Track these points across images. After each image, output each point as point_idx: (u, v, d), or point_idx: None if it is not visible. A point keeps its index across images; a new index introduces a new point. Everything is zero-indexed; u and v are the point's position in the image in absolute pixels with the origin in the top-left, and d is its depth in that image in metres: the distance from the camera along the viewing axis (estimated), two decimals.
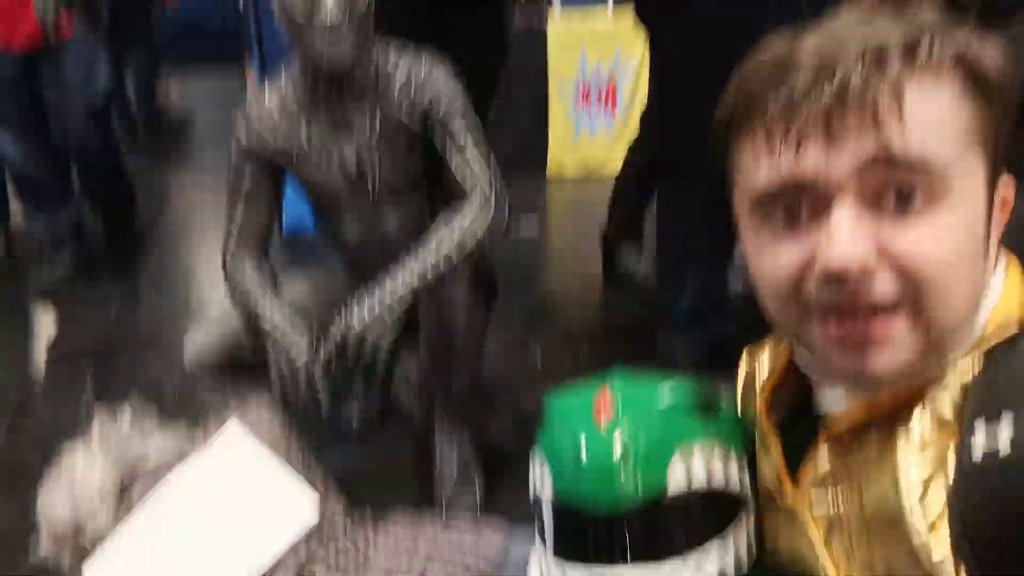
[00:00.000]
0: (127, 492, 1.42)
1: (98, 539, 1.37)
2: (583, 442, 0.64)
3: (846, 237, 0.54)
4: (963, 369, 0.58)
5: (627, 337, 2.50)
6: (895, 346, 0.56)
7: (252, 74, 3.46)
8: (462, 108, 1.56)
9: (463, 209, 1.53)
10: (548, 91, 4.26)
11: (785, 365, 0.73)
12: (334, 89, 1.55)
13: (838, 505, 0.61)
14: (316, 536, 1.28)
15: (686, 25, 1.86)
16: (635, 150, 2.80)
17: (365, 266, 1.72)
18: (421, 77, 1.56)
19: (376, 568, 1.22)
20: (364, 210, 1.66)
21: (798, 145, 0.56)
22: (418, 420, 2.05)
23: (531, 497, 0.71)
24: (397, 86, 1.57)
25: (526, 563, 1.21)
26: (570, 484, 0.64)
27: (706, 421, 0.67)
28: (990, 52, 0.56)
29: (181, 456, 1.41)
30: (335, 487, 1.43)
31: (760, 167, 0.59)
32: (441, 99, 1.55)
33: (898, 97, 0.54)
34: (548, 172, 4.34)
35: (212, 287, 2.98)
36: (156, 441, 1.49)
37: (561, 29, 4.26)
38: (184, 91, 5.07)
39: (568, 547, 0.67)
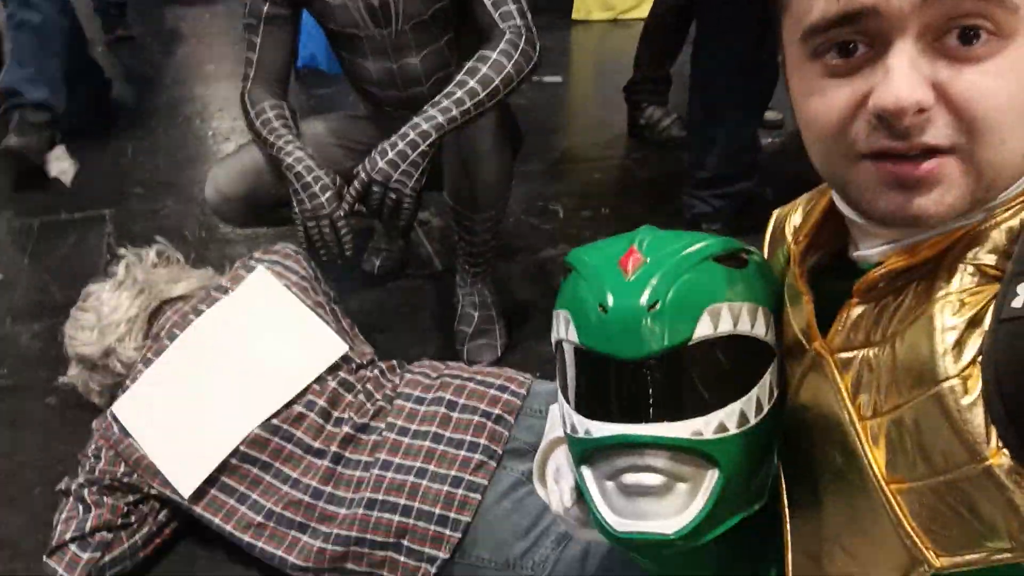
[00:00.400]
0: (155, 318, 1.45)
1: (126, 363, 1.41)
2: (609, 287, 0.62)
3: (905, 76, 0.52)
4: (1010, 224, 0.56)
5: (650, 193, 2.47)
6: (945, 188, 0.54)
7: None
8: None
9: (496, 48, 1.44)
10: None
11: (822, 215, 0.70)
12: None
13: (868, 359, 0.60)
14: (343, 374, 1.30)
15: None
16: None
17: (388, 106, 1.68)
18: None
19: (400, 411, 1.25)
20: (386, 46, 1.59)
21: None
22: (439, 267, 2.06)
23: (553, 349, 0.71)
24: None
25: (544, 414, 1.26)
26: (595, 330, 0.63)
27: (736, 272, 0.66)
28: None
29: (207, 290, 1.43)
30: (359, 333, 1.46)
31: None
32: None
33: None
34: (574, 13, 4.18)
35: (232, 121, 2.95)
36: (182, 279, 1.50)
37: None
38: None
39: (590, 401, 0.66)
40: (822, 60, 0.57)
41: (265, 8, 1.56)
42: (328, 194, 1.44)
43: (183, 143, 2.85)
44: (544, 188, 2.45)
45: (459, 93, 1.41)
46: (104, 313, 1.44)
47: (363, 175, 1.39)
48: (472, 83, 1.41)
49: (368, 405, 1.28)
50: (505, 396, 1.24)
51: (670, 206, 2.32)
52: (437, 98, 1.41)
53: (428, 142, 1.38)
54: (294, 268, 1.42)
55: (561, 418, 0.71)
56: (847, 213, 0.65)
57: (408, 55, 1.60)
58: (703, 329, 0.62)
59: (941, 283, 0.56)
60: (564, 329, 0.67)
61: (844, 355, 0.63)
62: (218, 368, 1.31)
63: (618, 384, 0.63)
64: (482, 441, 1.18)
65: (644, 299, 0.61)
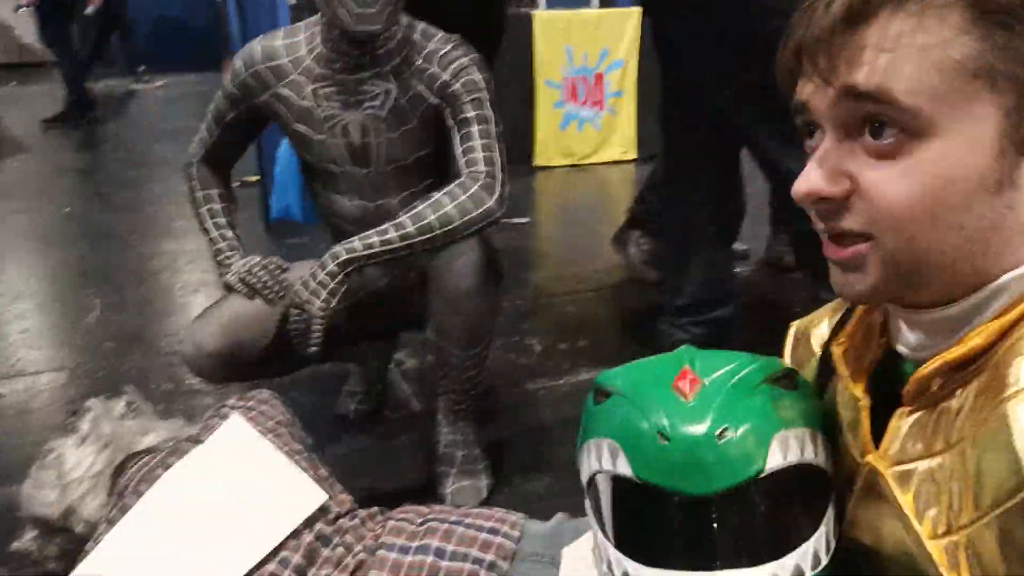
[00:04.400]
0: (120, 473, 1.36)
1: (90, 523, 1.31)
2: (668, 413, 0.57)
3: (813, 167, 0.58)
4: None
5: (626, 324, 2.47)
6: (865, 272, 0.58)
7: None
8: (484, 96, 1.52)
9: (444, 190, 1.46)
10: (534, 82, 4.23)
11: (864, 313, 0.68)
12: (355, 52, 1.49)
13: (932, 471, 0.55)
14: (320, 526, 1.22)
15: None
16: None
17: None
18: (448, 56, 1.52)
19: (382, 563, 1.17)
20: (364, 185, 1.61)
21: (806, 75, 0.59)
22: (417, 408, 2.00)
23: (584, 486, 0.65)
24: (420, 61, 1.52)
25: (542, 557, 1.18)
26: (654, 462, 0.56)
27: (791, 395, 0.61)
28: None
29: (176, 441, 1.35)
30: (336, 481, 1.38)
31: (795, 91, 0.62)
32: (464, 79, 1.51)
33: (862, 31, 0.54)
34: (535, 160, 4.31)
35: (201, 274, 2.93)
36: (151, 430, 1.43)
37: (547, 21, 4.21)
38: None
39: (642, 543, 0.58)
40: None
41: (229, 117, 1.62)
42: (236, 272, 1.55)
43: (151, 298, 2.82)
44: (519, 323, 2.44)
45: (387, 226, 1.45)
46: (66, 470, 1.35)
47: (287, 300, 1.47)
48: (403, 218, 1.45)
49: (348, 559, 1.19)
50: (498, 539, 1.16)
51: (647, 336, 2.30)
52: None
53: (337, 262, 1.42)
54: (270, 413, 1.36)
55: (603, 562, 0.63)
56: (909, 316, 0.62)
57: (387, 196, 1.61)
58: (775, 460, 0.57)
59: (1007, 377, 0.51)
60: (608, 460, 0.60)
61: (900, 468, 0.58)
62: (187, 526, 1.22)
63: (680, 524, 0.57)
64: None
65: (709, 427, 0.55)
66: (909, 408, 0.59)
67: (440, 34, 1.55)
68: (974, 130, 0.53)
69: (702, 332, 2.13)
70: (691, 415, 0.56)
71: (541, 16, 4.25)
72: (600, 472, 0.62)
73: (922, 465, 0.56)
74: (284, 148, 3.08)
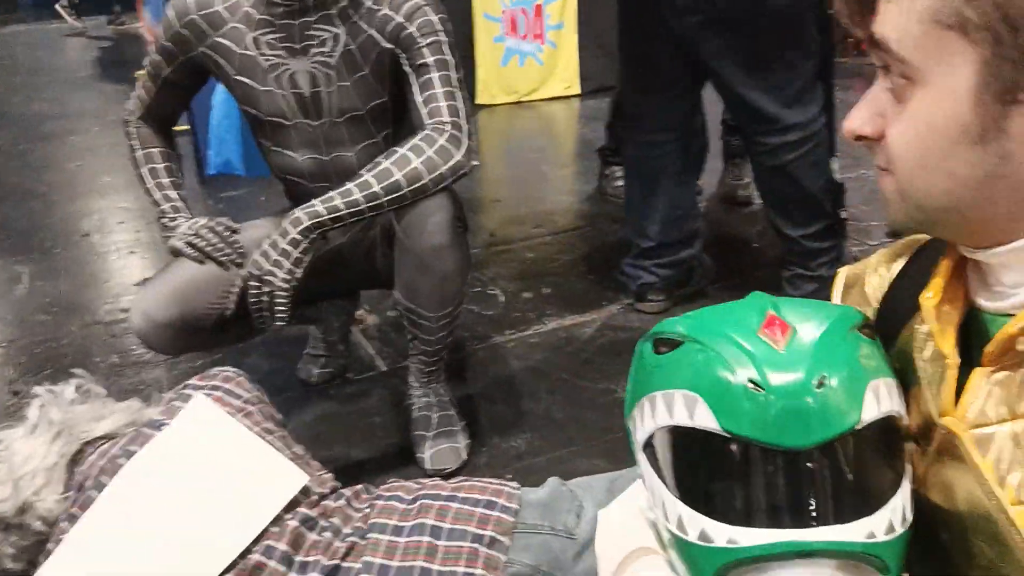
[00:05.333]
0: (77, 463, 1.27)
1: (47, 518, 1.22)
2: (762, 361, 0.53)
3: (858, 108, 0.62)
4: None
5: (588, 268, 2.41)
6: (888, 201, 0.63)
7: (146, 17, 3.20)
8: (442, 39, 1.42)
9: (408, 144, 1.37)
10: (473, 16, 4.08)
11: (955, 263, 0.65)
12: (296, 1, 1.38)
13: (1016, 434, 0.54)
14: (303, 510, 1.15)
15: None
16: None
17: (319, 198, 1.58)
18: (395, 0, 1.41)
19: (376, 546, 1.11)
20: (317, 138, 1.50)
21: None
22: (384, 368, 1.93)
23: (639, 444, 0.60)
24: (369, 1, 1.42)
25: (537, 528, 1.13)
26: (747, 414, 0.52)
27: (875, 344, 0.59)
28: None
29: (134, 426, 1.26)
30: (312, 460, 1.31)
31: None
32: (419, 21, 1.40)
33: None
34: (477, 98, 4.19)
35: (135, 233, 2.77)
36: (107, 415, 1.33)
37: None
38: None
39: (729, 503, 0.54)
40: None
41: (166, 72, 1.51)
42: (182, 233, 1.47)
43: (83, 262, 2.65)
44: (479, 273, 2.37)
45: (349, 185, 1.36)
46: (17, 463, 1.25)
47: (244, 271, 1.37)
48: (367, 176, 1.36)
49: (337, 543, 1.12)
50: (495, 514, 1.11)
51: (610, 280, 2.26)
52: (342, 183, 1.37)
53: (299, 229, 1.34)
54: (237, 392, 1.26)
55: (671, 523, 0.58)
56: (968, 254, 0.62)
57: (342, 148, 1.51)
58: (870, 410, 0.54)
59: None
60: (682, 414, 0.55)
61: (980, 431, 0.56)
62: (158, 519, 1.13)
63: (771, 480, 0.53)
64: (478, 571, 1.04)
65: (807, 375, 0.52)
66: (991, 368, 0.57)
67: None
68: (952, 80, 0.55)
69: (668, 273, 2.10)
70: (786, 362, 0.53)
71: None
72: (672, 427, 0.57)
73: (1004, 428, 0.55)
74: (220, 97, 2.91)
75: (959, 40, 0.54)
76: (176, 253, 1.48)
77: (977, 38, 0.53)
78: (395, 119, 1.52)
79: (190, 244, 1.46)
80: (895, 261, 0.74)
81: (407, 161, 1.35)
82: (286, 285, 1.34)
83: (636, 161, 2.08)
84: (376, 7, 1.42)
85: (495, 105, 4.21)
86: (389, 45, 1.42)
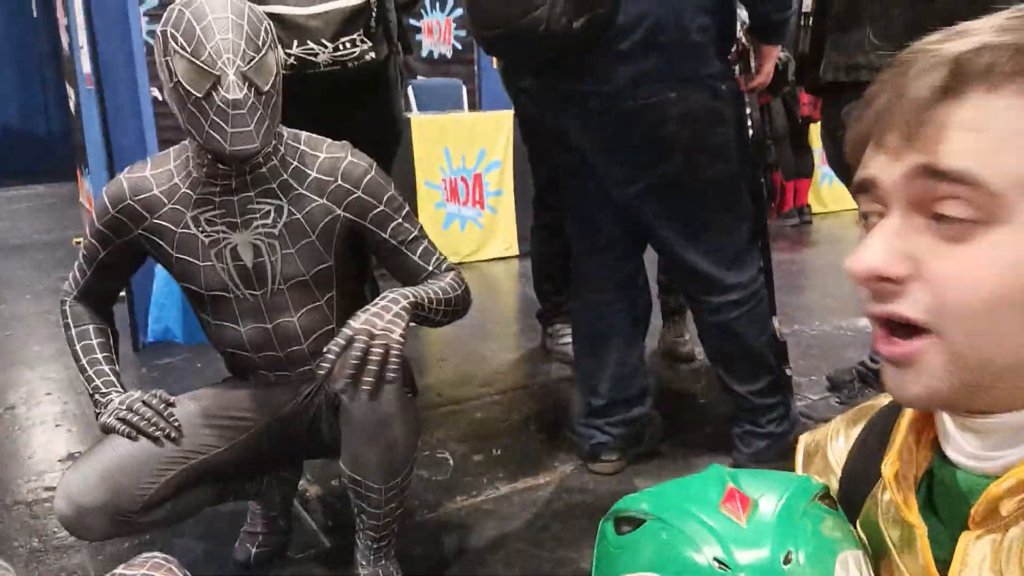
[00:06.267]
0: None
1: None
2: (724, 538, 0.50)
3: (872, 243, 0.53)
4: None
5: (539, 428, 2.37)
6: (921, 369, 0.52)
7: (86, 186, 3.22)
8: (395, 194, 1.49)
9: (441, 280, 1.49)
10: (416, 186, 4.21)
11: (913, 423, 0.62)
12: (234, 173, 1.38)
13: None
14: None
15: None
16: (539, 228, 2.89)
17: (264, 369, 1.54)
18: (346, 166, 1.45)
19: None
20: (259, 308, 1.48)
21: (879, 147, 0.55)
22: (327, 544, 1.81)
23: None
24: (314, 173, 1.44)
25: None
26: None
27: (838, 515, 0.57)
28: None
29: None
30: None
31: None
32: (385, 198, 1.47)
33: (949, 107, 0.51)
34: None
35: (63, 405, 2.63)
36: None
37: (424, 124, 4.24)
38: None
39: None
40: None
41: (101, 256, 1.49)
42: (113, 413, 1.41)
43: (5, 437, 2.50)
44: (428, 436, 2.30)
45: (420, 288, 1.42)
46: None
47: (345, 330, 1.29)
48: (436, 287, 1.45)
49: None
50: None
51: (562, 439, 2.23)
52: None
53: (408, 301, 1.36)
54: None
55: None
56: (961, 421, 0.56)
57: (286, 315, 1.48)
58: None
59: None
60: None
61: None
62: None
63: None
64: None
65: (772, 551, 0.49)
66: (977, 533, 0.54)
67: (327, 142, 1.48)
68: None
69: (621, 432, 2.07)
70: (750, 539, 0.51)
71: (418, 119, 4.28)
72: None
73: None
74: (159, 266, 2.89)
75: None
76: (107, 430, 1.40)
77: None
78: (338, 282, 1.51)
79: (122, 420, 1.39)
80: (853, 427, 0.71)
81: (456, 287, 1.49)
82: (403, 341, 1.31)
83: (584, 320, 2.10)
84: (327, 177, 1.43)
85: None
86: (348, 215, 1.45)
